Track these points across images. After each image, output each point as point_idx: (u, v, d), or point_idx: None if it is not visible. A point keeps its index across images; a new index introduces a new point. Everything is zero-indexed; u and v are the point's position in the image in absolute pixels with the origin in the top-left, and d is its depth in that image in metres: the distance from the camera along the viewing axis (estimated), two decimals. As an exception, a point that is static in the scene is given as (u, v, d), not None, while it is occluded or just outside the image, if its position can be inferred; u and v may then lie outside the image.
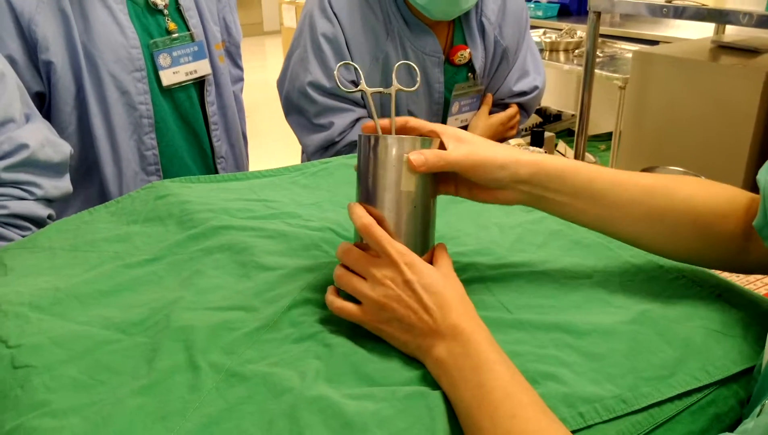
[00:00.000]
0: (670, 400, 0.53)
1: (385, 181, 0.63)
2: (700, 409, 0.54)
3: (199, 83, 1.29)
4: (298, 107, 1.39)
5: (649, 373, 0.55)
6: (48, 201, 0.97)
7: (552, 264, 0.72)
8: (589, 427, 0.50)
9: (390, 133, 0.67)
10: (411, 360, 0.58)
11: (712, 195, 0.65)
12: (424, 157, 0.64)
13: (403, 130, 0.68)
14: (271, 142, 1.51)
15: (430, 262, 0.63)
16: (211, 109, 1.31)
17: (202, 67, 1.27)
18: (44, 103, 1.15)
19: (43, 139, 0.95)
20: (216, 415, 0.52)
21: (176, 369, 0.56)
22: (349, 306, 0.61)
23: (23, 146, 0.91)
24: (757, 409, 0.46)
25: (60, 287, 0.69)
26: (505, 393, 0.50)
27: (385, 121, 0.68)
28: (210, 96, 1.30)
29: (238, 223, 0.81)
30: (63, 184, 0.99)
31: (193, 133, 1.30)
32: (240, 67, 1.47)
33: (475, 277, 0.70)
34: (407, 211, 0.63)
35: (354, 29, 1.33)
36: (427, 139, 0.65)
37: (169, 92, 1.23)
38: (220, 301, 0.66)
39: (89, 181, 1.21)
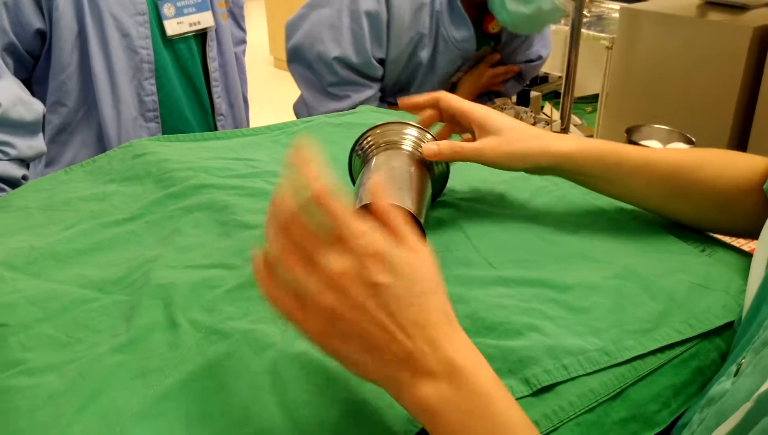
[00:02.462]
0: (653, 353, 0.53)
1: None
2: (682, 362, 0.54)
3: (201, 37, 1.28)
4: (311, 67, 1.34)
5: (633, 326, 0.55)
6: (22, 161, 0.95)
7: (537, 220, 0.72)
8: (572, 378, 0.50)
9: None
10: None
11: (734, 171, 0.65)
12: (437, 147, 0.67)
13: (434, 107, 0.72)
14: (256, 108, 1.50)
15: None
16: (213, 65, 1.31)
17: (206, 19, 1.27)
18: (45, 41, 1.15)
19: (15, 98, 0.93)
20: (197, 372, 0.51)
21: (155, 326, 0.56)
22: (288, 302, 0.42)
23: (-5, 104, 0.89)
24: (733, 368, 0.46)
25: (35, 246, 0.68)
26: None
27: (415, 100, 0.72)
28: (212, 51, 1.30)
29: (219, 182, 0.79)
30: (37, 144, 0.97)
31: (193, 87, 1.31)
32: (243, 29, 1.46)
33: (459, 234, 0.69)
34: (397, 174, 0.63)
35: (401, 11, 1.26)
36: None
37: (170, 42, 1.23)
38: (200, 259, 0.65)
39: (87, 123, 1.21)
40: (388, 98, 1.41)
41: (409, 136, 0.72)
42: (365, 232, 0.41)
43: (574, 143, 0.67)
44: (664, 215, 0.69)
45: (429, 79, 1.37)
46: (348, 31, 1.27)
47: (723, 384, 0.46)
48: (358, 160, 0.74)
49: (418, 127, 0.73)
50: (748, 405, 0.36)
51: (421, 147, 0.71)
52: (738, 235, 0.71)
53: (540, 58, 1.48)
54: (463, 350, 0.42)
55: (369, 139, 0.73)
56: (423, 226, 0.60)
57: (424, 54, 1.31)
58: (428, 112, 0.73)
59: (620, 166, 0.66)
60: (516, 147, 0.66)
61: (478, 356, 0.43)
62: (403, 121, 0.73)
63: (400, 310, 0.40)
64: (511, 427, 0.40)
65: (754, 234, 0.67)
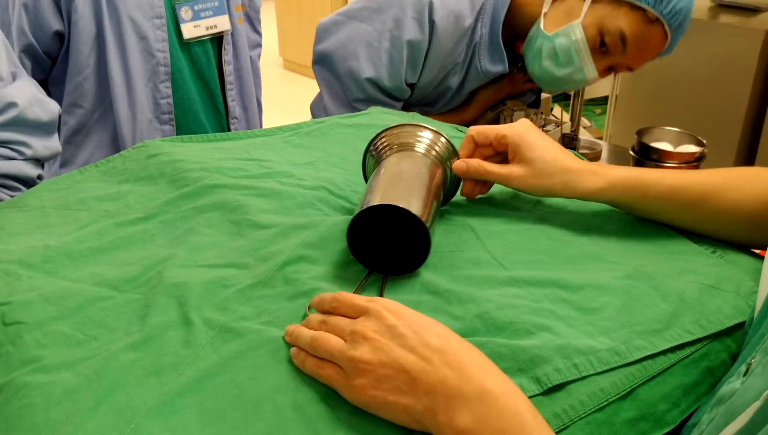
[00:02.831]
0: (663, 353, 0.53)
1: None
2: (692, 362, 0.54)
3: (218, 41, 1.30)
4: (339, 79, 1.30)
5: (643, 326, 0.55)
6: (37, 161, 0.96)
7: (548, 221, 0.72)
8: (583, 378, 0.50)
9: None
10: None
11: (762, 189, 0.65)
12: (466, 165, 0.71)
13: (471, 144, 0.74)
14: (264, 109, 1.51)
15: None
16: (228, 68, 1.32)
17: (222, 23, 1.28)
18: (63, 42, 1.16)
19: (32, 98, 0.94)
20: (210, 370, 0.52)
21: (170, 325, 0.56)
22: (328, 369, 0.49)
23: (12, 105, 0.90)
24: (743, 368, 0.46)
25: (51, 245, 0.68)
26: None
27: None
28: (228, 55, 1.31)
29: (231, 182, 0.80)
30: (52, 144, 0.98)
31: (208, 90, 1.32)
32: (258, 33, 1.47)
33: (469, 234, 0.70)
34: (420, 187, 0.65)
35: (444, 40, 1.22)
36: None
37: (186, 46, 1.24)
38: (213, 258, 0.66)
39: (103, 124, 1.22)
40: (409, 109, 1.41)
41: (423, 139, 0.72)
42: (371, 300, 0.51)
43: (600, 180, 0.67)
44: (698, 233, 0.69)
45: (454, 100, 1.36)
46: (386, 55, 1.23)
47: (733, 384, 0.46)
48: (371, 160, 0.75)
49: (433, 130, 0.73)
50: (757, 404, 0.36)
51: (435, 150, 0.72)
52: None
53: None
54: (489, 373, 0.45)
55: (383, 139, 0.74)
56: (428, 228, 0.61)
57: (455, 80, 1.29)
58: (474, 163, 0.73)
59: (646, 196, 0.67)
60: (541, 181, 0.69)
61: (504, 378, 0.46)
62: (418, 123, 0.73)
63: (421, 343, 0.46)
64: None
65: None
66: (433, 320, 0.49)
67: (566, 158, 0.69)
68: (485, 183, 0.75)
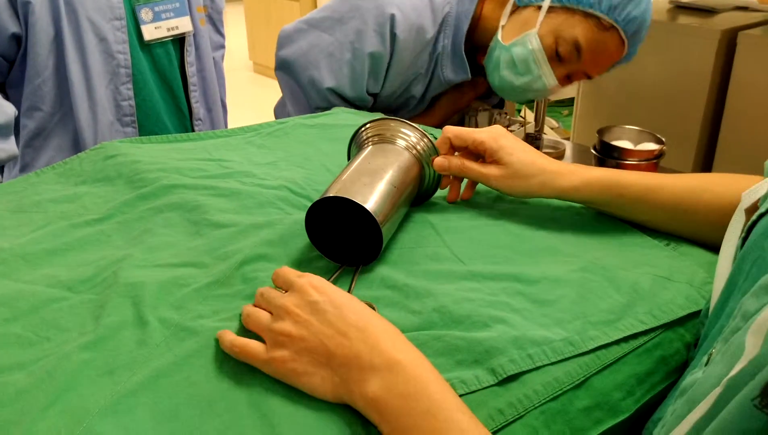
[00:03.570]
0: (617, 342, 0.54)
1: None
2: (646, 351, 0.55)
3: (179, 42, 1.28)
4: (302, 86, 1.30)
5: (597, 317, 0.56)
6: (-7, 164, 0.94)
7: (507, 216, 0.73)
8: (537, 368, 0.51)
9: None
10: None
11: (737, 192, 0.66)
12: (447, 162, 0.73)
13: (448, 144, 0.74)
14: (235, 112, 1.50)
15: None
16: (191, 69, 1.31)
17: (184, 24, 1.26)
18: (20, 45, 1.14)
19: (-14, 100, 0.92)
20: (165, 368, 0.51)
21: (124, 325, 0.56)
22: (252, 344, 0.50)
23: (-35, 107, 0.88)
24: (704, 359, 0.47)
25: (4, 247, 0.67)
26: None
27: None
28: (190, 56, 1.30)
29: (190, 182, 0.79)
30: (8, 147, 0.96)
31: (171, 91, 1.30)
32: (221, 34, 1.46)
33: (429, 230, 0.70)
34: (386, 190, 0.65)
35: (405, 52, 1.22)
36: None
37: (148, 47, 1.23)
38: (170, 258, 0.65)
39: (63, 127, 1.20)
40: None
41: (406, 136, 0.73)
42: (304, 274, 0.53)
43: (576, 179, 0.69)
44: (674, 234, 0.70)
45: (417, 108, 1.36)
46: (348, 66, 1.23)
47: (695, 375, 0.47)
48: (355, 150, 0.75)
49: (419, 130, 0.74)
50: (717, 390, 0.37)
51: (417, 148, 0.72)
52: None
53: None
54: (400, 347, 0.48)
55: (369, 130, 0.74)
56: (379, 223, 0.61)
57: (418, 89, 1.29)
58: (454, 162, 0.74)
59: (622, 196, 0.68)
60: (519, 182, 0.70)
61: (415, 352, 0.48)
62: (406, 121, 0.73)
63: (340, 318, 0.49)
64: (447, 407, 0.44)
65: None
66: (354, 298, 0.52)
67: (543, 160, 0.71)
68: (471, 186, 0.76)
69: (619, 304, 0.58)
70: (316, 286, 0.51)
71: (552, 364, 0.51)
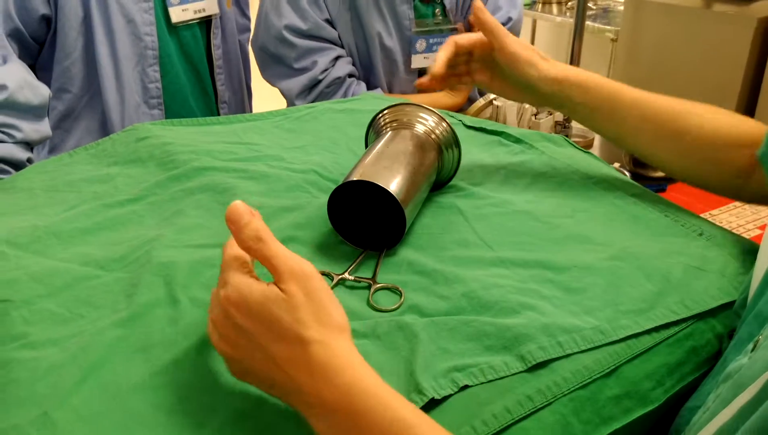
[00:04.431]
0: (648, 332, 0.54)
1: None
2: (677, 341, 0.55)
3: (206, 25, 1.29)
4: (276, 56, 1.37)
5: (628, 306, 0.55)
6: (27, 144, 0.96)
7: (535, 204, 0.72)
8: (567, 356, 0.50)
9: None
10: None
11: (723, 124, 0.67)
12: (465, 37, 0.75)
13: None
14: (256, 96, 1.52)
15: None
16: (217, 52, 1.32)
17: (211, 6, 1.27)
18: (50, 27, 1.15)
19: (22, 81, 0.93)
20: (196, 347, 0.52)
21: (156, 303, 0.56)
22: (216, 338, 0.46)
23: (2, 87, 0.90)
24: (750, 346, 0.46)
25: (39, 225, 0.68)
26: None
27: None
28: (216, 39, 1.31)
29: (220, 165, 0.80)
30: (42, 128, 0.97)
31: (197, 74, 1.31)
32: (247, 17, 1.47)
33: (457, 216, 0.70)
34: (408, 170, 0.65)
35: None
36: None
37: (175, 29, 1.24)
38: (201, 239, 0.66)
39: (91, 109, 1.22)
40: (376, 86, 1.43)
41: (424, 120, 0.73)
42: (230, 281, 0.44)
43: (571, 71, 0.71)
44: (658, 164, 0.70)
45: (393, 65, 1.40)
46: (285, 2, 1.33)
47: (740, 361, 0.46)
48: (373, 136, 0.75)
49: (437, 114, 0.73)
50: (767, 375, 0.36)
51: (435, 133, 0.72)
52: (728, 195, 0.72)
53: (510, 20, 1.46)
54: (340, 379, 0.41)
55: (386, 116, 0.74)
56: (403, 206, 0.61)
57: (379, 26, 1.35)
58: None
59: (614, 100, 0.69)
60: (520, 47, 0.72)
61: (359, 375, 0.42)
62: (423, 105, 0.73)
63: (269, 346, 0.42)
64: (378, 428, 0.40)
65: (742, 194, 0.69)
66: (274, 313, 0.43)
67: (538, 51, 0.73)
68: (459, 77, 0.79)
69: (651, 293, 0.57)
70: (240, 303, 0.43)
71: (582, 352, 0.51)
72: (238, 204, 0.46)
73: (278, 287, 0.43)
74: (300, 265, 0.44)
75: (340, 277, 0.61)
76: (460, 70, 0.79)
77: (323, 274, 0.61)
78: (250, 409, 0.47)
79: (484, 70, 0.78)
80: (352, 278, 0.61)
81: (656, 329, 0.54)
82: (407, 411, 0.41)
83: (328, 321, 0.43)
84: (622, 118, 0.70)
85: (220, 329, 0.45)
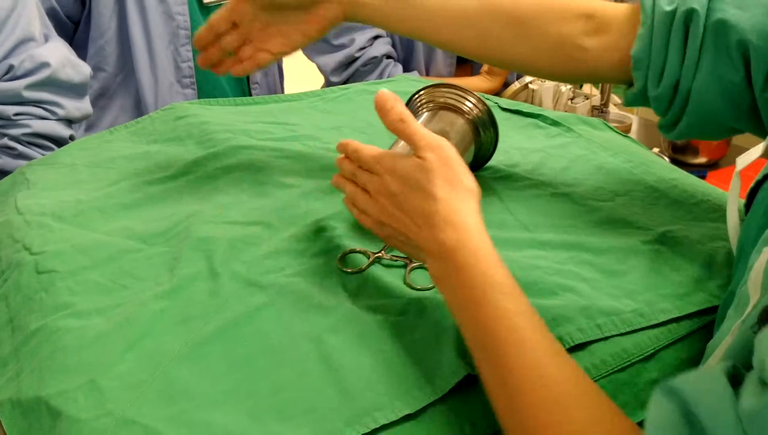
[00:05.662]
0: (689, 317, 0.53)
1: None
2: (718, 327, 0.54)
3: None
4: None
5: (669, 290, 0.55)
6: (69, 121, 0.98)
7: (573, 187, 0.71)
8: (606, 338, 0.50)
9: None
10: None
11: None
12: None
13: None
14: (289, 74, 1.53)
15: None
16: None
17: None
18: (85, 6, 1.18)
19: (64, 59, 0.95)
20: (236, 319, 0.53)
21: (197, 276, 0.57)
22: (364, 218, 0.57)
23: (45, 65, 0.91)
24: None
25: (82, 200, 0.70)
26: (509, 327, 0.44)
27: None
28: None
29: (257, 144, 0.81)
30: (84, 106, 0.99)
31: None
32: None
33: (493, 197, 0.70)
34: None
35: None
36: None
37: (206, 9, 1.25)
38: (239, 216, 0.67)
39: (126, 88, 1.24)
40: (412, 68, 1.43)
41: (461, 101, 0.72)
42: (382, 157, 0.54)
43: None
44: (461, 52, 0.69)
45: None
46: None
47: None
48: None
49: (474, 95, 0.73)
50: (729, 338, 0.39)
51: (473, 114, 0.71)
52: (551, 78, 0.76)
53: None
54: (455, 235, 0.48)
55: (422, 97, 0.74)
56: None
57: None
58: None
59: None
60: None
61: (471, 238, 0.48)
62: (459, 86, 0.73)
63: (413, 209, 0.51)
64: (491, 296, 0.45)
65: (566, 76, 0.70)
66: (431, 171, 0.51)
67: None
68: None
69: (692, 278, 0.56)
70: (390, 170, 0.52)
71: (621, 335, 0.51)
72: (384, 91, 0.56)
73: (418, 156, 0.51)
74: (437, 140, 0.52)
75: (376, 255, 0.61)
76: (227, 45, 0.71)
77: (359, 252, 0.61)
78: (289, 381, 0.47)
79: (264, 35, 0.69)
80: (388, 257, 0.61)
81: (697, 314, 0.54)
82: (499, 276, 0.47)
83: (457, 183, 0.50)
84: (411, 5, 0.66)
85: (372, 192, 0.54)
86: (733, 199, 0.52)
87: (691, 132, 0.62)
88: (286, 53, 0.71)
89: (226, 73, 0.73)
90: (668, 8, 0.57)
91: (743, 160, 0.51)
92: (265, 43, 0.70)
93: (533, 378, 0.42)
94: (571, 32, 0.63)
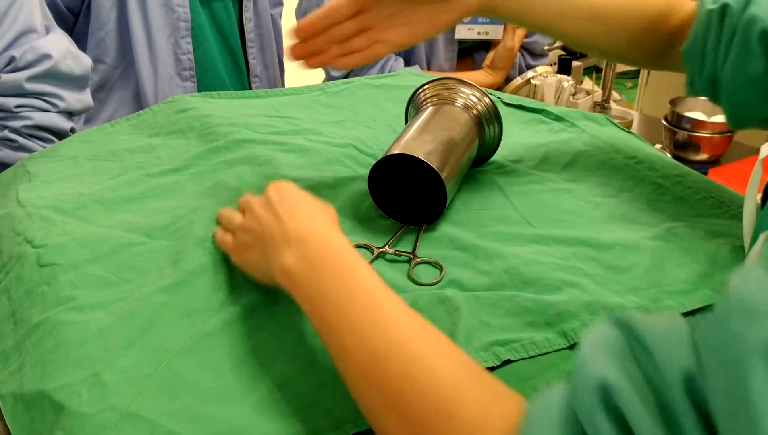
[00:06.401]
0: (692, 313, 0.53)
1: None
2: (721, 323, 0.54)
3: None
4: None
5: (673, 286, 0.55)
6: (70, 114, 0.97)
7: (577, 183, 0.71)
8: (610, 334, 0.50)
9: None
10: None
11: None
12: None
13: None
14: (290, 71, 1.53)
15: None
16: (249, 25, 1.32)
17: None
18: None
19: (65, 51, 0.94)
20: (239, 314, 0.52)
21: (200, 271, 0.57)
22: (228, 237, 0.57)
23: (46, 56, 0.91)
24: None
25: (84, 193, 0.69)
26: (370, 299, 0.43)
27: None
28: (248, 12, 1.31)
29: (260, 137, 0.80)
30: (84, 98, 0.98)
31: (229, 47, 1.32)
32: None
33: (497, 193, 0.69)
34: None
35: None
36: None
37: (207, 2, 1.25)
38: (243, 209, 0.66)
39: (125, 81, 1.23)
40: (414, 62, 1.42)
41: (465, 95, 0.72)
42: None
43: None
44: (583, 45, 0.70)
45: (434, 38, 1.38)
46: None
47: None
48: (413, 111, 0.75)
49: (479, 89, 0.73)
50: None
51: (477, 108, 0.71)
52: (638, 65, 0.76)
53: None
54: (317, 222, 0.49)
55: (427, 91, 0.74)
56: (444, 181, 0.61)
57: None
58: None
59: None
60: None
61: (331, 228, 0.49)
62: (464, 80, 0.73)
63: (279, 205, 0.51)
64: (354, 271, 0.45)
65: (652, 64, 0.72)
66: (304, 194, 0.54)
67: None
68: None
69: (696, 274, 0.56)
70: (278, 187, 0.54)
71: (625, 330, 0.50)
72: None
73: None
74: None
75: (380, 250, 0.61)
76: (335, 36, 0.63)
77: (363, 246, 0.61)
78: (295, 373, 0.47)
79: (388, 23, 0.63)
80: (392, 251, 0.61)
81: (701, 310, 0.53)
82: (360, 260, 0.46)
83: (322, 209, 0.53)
84: (546, 4, 0.65)
85: (254, 207, 0.54)
86: (753, 186, 0.51)
87: (737, 123, 0.63)
88: (406, 45, 0.66)
89: (324, 65, 0.65)
90: (712, 6, 0.60)
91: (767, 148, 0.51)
92: (386, 33, 0.63)
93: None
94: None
